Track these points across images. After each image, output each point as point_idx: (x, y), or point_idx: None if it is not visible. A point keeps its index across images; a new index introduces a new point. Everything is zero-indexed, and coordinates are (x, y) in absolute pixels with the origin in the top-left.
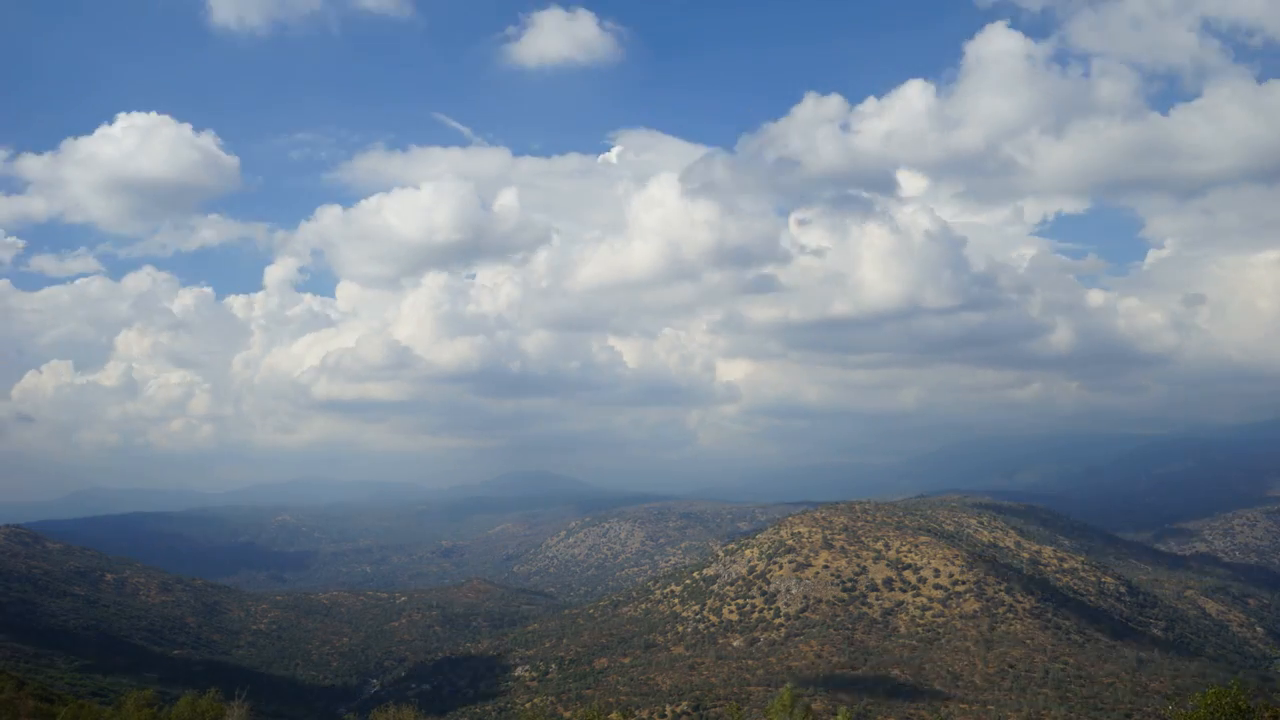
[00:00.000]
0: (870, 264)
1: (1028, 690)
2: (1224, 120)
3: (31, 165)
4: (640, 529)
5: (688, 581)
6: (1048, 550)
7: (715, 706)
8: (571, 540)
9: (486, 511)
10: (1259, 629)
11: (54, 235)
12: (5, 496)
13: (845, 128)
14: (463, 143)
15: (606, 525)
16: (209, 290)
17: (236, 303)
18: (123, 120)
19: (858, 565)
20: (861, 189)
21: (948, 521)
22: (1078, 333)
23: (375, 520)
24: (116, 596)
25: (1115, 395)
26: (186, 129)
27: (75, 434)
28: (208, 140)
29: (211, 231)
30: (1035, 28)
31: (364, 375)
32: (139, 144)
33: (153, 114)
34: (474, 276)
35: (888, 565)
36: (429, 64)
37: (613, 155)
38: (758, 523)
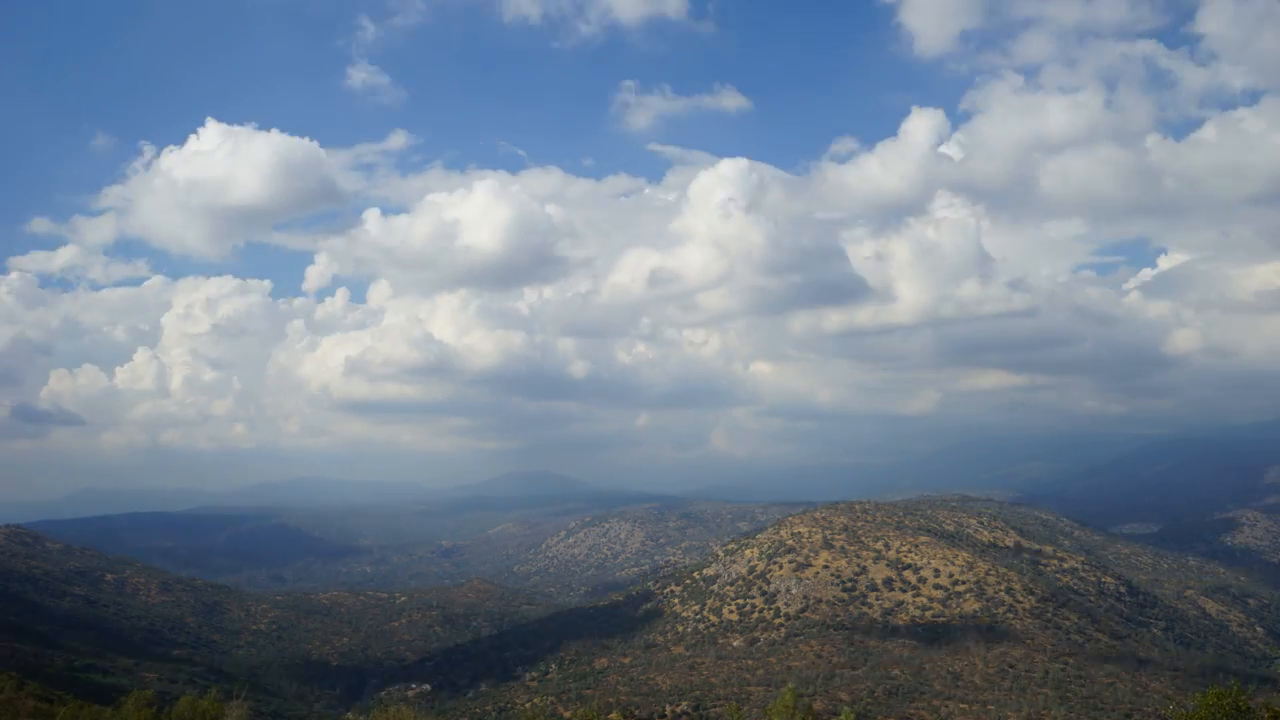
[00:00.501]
0: (904, 277)
1: (1028, 690)
2: (1237, 148)
3: (114, 192)
4: (640, 529)
5: (688, 581)
6: (1048, 550)
7: (715, 706)
8: (571, 540)
9: (486, 511)
10: (1259, 629)
11: (124, 249)
12: (6, 496)
13: (877, 156)
14: (516, 166)
15: (606, 525)
16: (256, 296)
17: (278, 307)
18: (232, 133)
19: (858, 565)
20: (897, 210)
21: (948, 521)
22: (1095, 339)
23: (375, 520)
24: (116, 596)
25: (1130, 398)
26: (313, 146)
27: (105, 434)
28: (321, 154)
29: (279, 241)
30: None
31: (388, 377)
32: (237, 160)
33: (250, 126)
34: (514, 289)
35: (888, 565)
36: (503, 103)
37: (661, 179)
38: (758, 523)
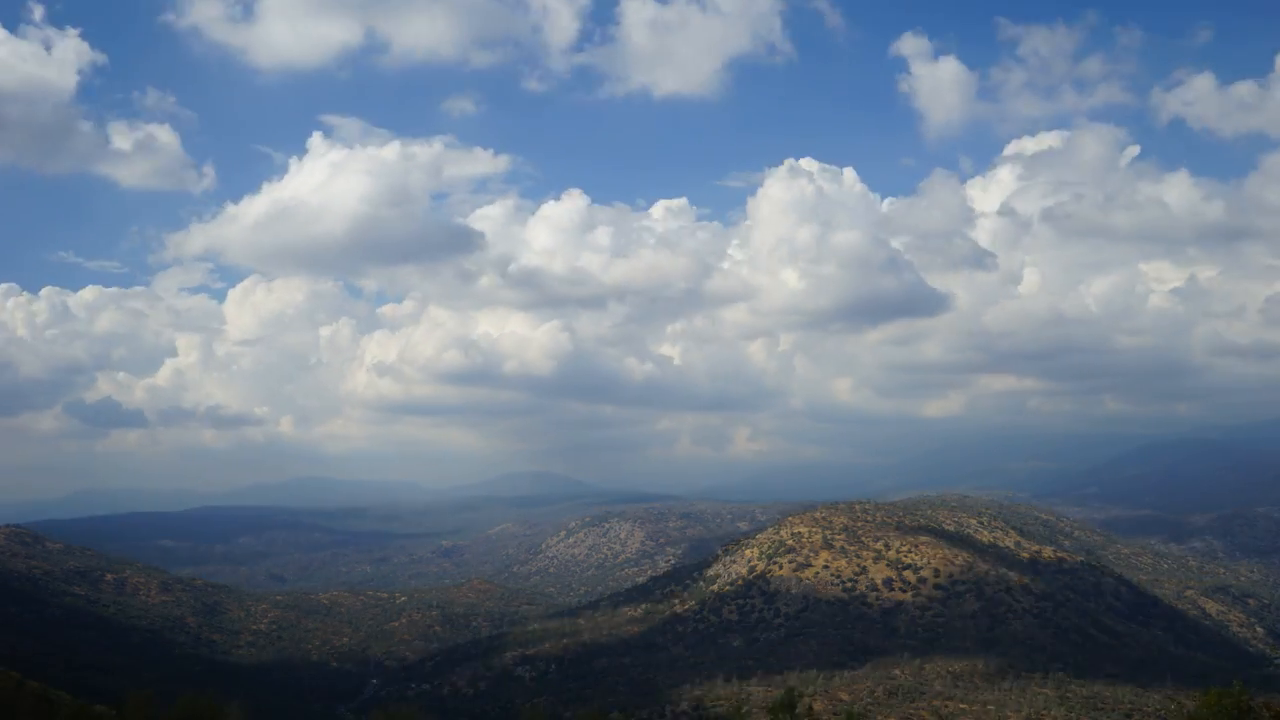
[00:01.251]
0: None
1: (1028, 690)
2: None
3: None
4: (640, 529)
5: (688, 581)
6: (1048, 550)
7: (715, 706)
8: (571, 540)
9: (486, 511)
10: (1259, 629)
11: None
12: (6, 496)
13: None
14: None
15: (606, 525)
16: (312, 296)
17: (332, 306)
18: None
19: (858, 565)
20: (938, 236)
21: (948, 521)
22: (1121, 346)
23: (375, 520)
24: (116, 596)
25: (1149, 401)
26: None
27: (149, 434)
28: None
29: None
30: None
31: (430, 380)
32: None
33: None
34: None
35: (888, 565)
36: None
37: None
38: (758, 523)
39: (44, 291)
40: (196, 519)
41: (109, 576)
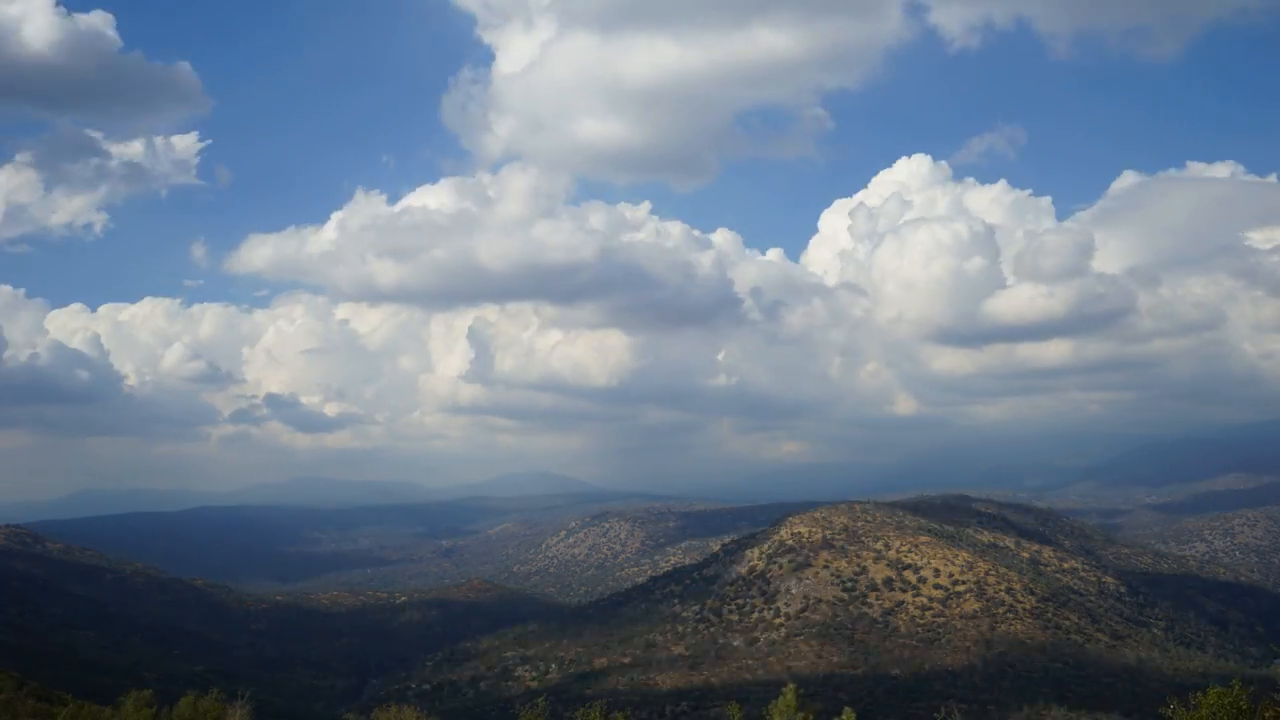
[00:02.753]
0: None
1: (1028, 690)
2: None
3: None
4: (640, 529)
5: (688, 581)
6: (1048, 550)
7: (715, 706)
8: (571, 540)
9: (486, 511)
10: (1259, 629)
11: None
12: (6, 496)
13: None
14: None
15: (606, 525)
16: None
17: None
18: None
19: (858, 565)
20: None
21: (948, 521)
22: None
23: (375, 520)
24: (116, 596)
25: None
26: None
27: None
28: None
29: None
30: None
31: (503, 387)
32: None
33: None
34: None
35: (888, 565)
36: None
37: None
38: (758, 523)
39: (159, 302)
40: (196, 519)
41: (109, 576)
